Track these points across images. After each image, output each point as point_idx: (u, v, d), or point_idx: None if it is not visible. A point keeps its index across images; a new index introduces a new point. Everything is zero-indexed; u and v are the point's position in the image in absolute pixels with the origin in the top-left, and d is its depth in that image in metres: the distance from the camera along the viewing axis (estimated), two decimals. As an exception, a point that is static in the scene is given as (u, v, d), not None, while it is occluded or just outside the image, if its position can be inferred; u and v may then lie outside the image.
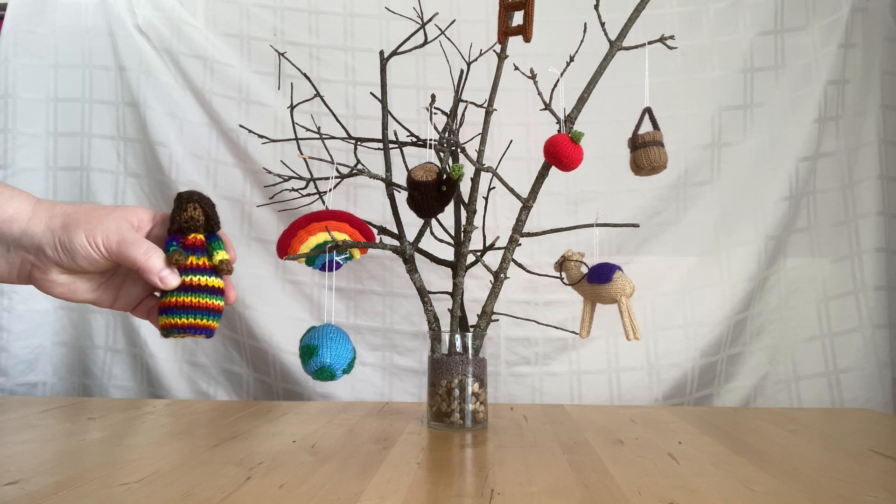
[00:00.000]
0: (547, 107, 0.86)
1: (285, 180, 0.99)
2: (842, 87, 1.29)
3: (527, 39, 0.83)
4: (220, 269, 0.57)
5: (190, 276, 0.56)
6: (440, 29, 0.96)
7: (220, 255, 0.57)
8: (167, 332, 0.56)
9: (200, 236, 0.57)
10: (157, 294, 0.58)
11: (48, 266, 0.54)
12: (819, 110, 1.28)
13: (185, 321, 0.55)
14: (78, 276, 0.56)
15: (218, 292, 0.57)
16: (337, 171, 0.89)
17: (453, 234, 0.98)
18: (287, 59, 1.02)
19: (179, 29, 1.34)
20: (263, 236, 1.33)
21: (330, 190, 0.89)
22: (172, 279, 0.55)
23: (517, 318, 1.05)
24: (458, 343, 0.91)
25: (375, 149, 0.97)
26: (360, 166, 0.91)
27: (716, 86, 1.31)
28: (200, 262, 0.56)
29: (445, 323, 0.93)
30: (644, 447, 0.79)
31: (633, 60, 0.88)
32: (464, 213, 0.94)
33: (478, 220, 0.93)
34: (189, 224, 0.57)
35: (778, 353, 1.30)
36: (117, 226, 0.54)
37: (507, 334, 1.30)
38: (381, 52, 0.94)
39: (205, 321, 0.55)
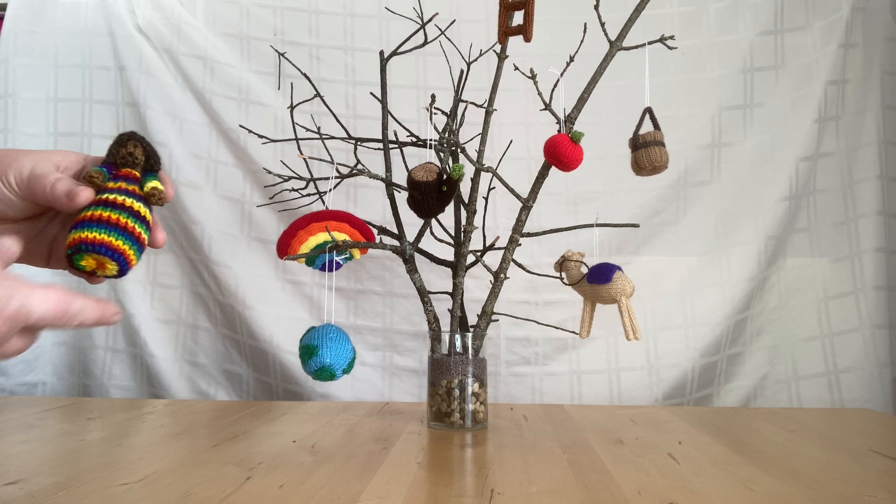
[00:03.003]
0: (547, 107, 0.86)
1: (285, 180, 0.99)
2: (842, 87, 1.29)
3: (527, 39, 0.83)
4: (150, 197, 0.51)
5: (110, 195, 0.50)
6: (440, 29, 0.96)
7: (152, 184, 0.52)
8: (75, 250, 0.48)
9: (136, 172, 0.52)
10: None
11: None
12: (819, 110, 1.28)
13: (96, 235, 0.47)
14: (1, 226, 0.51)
15: (141, 219, 0.50)
16: (337, 171, 0.89)
17: (453, 234, 0.98)
18: (287, 59, 1.02)
19: (179, 29, 1.34)
20: (263, 236, 1.33)
21: (330, 190, 0.89)
22: (82, 193, 0.49)
23: (517, 318, 1.05)
24: (458, 343, 0.91)
25: (375, 149, 0.97)
26: (360, 166, 0.91)
27: (716, 86, 1.31)
28: (130, 188, 0.51)
29: (445, 323, 0.93)
30: (644, 447, 0.79)
31: (633, 60, 0.88)
32: (464, 213, 0.94)
33: (478, 220, 0.93)
34: (126, 160, 0.52)
35: (778, 353, 1.30)
36: (33, 162, 0.50)
37: (507, 334, 1.30)
38: (381, 52, 0.94)
39: (119, 242, 0.48)
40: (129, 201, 0.50)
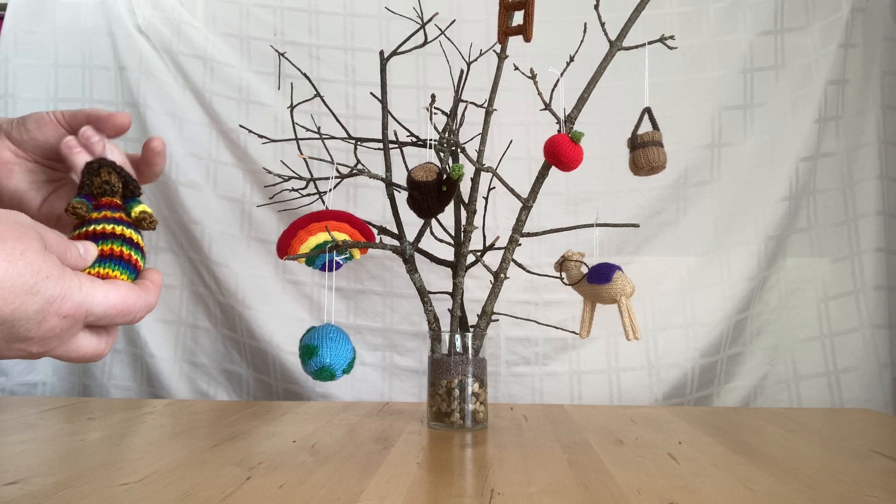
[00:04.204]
0: (547, 107, 0.86)
1: (285, 180, 0.99)
2: (842, 87, 1.29)
3: (527, 39, 0.83)
4: (142, 221, 0.49)
5: (97, 226, 0.47)
6: (440, 29, 0.96)
7: (140, 207, 0.49)
8: None
9: (116, 200, 0.50)
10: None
11: None
12: (819, 110, 1.28)
13: (89, 271, 0.45)
14: (21, 157, 0.53)
15: (135, 246, 0.48)
16: (337, 171, 0.89)
17: (453, 234, 0.98)
18: (287, 59, 1.02)
19: (179, 29, 1.34)
20: (263, 236, 1.33)
21: (330, 190, 0.89)
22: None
23: (517, 318, 1.05)
24: (458, 343, 0.91)
25: (375, 149, 0.97)
26: (360, 166, 0.91)
27: (716, 86, 1.31)
28: (116, 216, 0.48)
29: (445, 323, 0.93)
30: (644, 447, 0.79)
31: (633, 60, 0.88)
32: (464, 213, 0.94)
33: (478, 220, 0.93)
34: (104, 189, 0.49)
35: (778, 353, 1.30)
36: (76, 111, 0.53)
37: (507, 334, 1.30)
38: (381, 52, 0.94)
39: (116, 273, 0.46)
40: (118, 229, 0.47)
